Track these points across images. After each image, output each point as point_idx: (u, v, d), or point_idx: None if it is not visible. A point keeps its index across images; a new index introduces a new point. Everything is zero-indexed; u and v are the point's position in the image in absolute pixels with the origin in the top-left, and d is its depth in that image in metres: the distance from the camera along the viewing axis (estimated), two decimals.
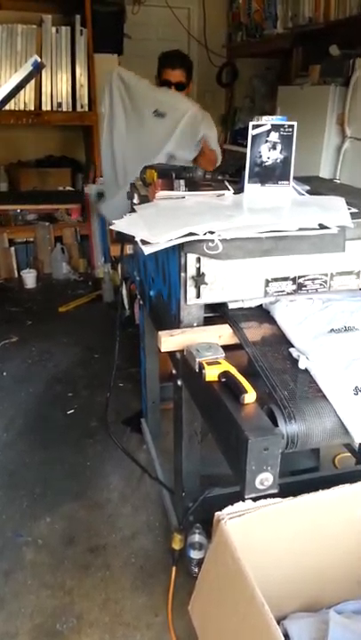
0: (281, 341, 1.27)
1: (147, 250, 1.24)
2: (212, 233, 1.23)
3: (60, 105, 4.02)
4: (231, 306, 1.35)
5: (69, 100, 4.03)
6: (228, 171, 1.78)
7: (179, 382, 1.41)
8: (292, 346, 1.24)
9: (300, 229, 1.28)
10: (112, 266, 3.90)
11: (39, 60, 2.10)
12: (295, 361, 1.20)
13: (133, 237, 1.33)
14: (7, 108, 3.09)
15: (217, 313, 1.39)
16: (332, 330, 1.29)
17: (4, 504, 1.96)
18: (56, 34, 3.91)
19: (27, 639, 1.49)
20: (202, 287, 1.28)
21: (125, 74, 2.56)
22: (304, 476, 1.81)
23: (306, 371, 1.17)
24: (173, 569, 1.62)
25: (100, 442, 2.30)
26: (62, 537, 1.82)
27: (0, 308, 3.69)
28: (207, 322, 1.37)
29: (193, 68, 2.77)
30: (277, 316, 1.33)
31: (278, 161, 1.54)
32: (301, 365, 1.16)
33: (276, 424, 1.02)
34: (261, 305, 1.39)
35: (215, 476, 1.68)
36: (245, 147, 1.55)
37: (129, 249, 1.88)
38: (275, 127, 1.51)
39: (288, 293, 1.36)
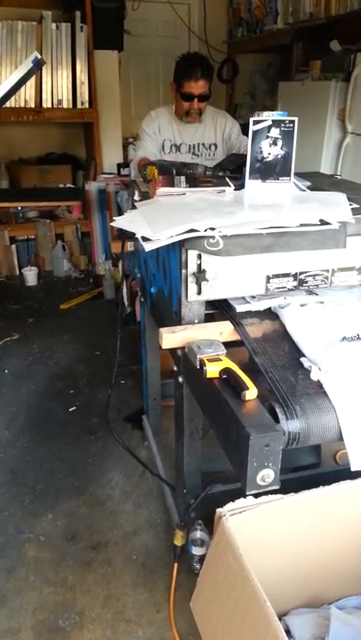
0: (282, 337, 1.26)
1: (148, 246, 1.24)
2: (212, 229, 1.23)
3: (60, 102, 4.01)
4: (239, 309, 1.33)
5: (70, 96, 4.03)
6: (228, 167, 1.78)
7: (180, 379, 1.41)
8: (299, 349, 1.21)
9: (301, 225, 1.28)
10: (113, 263, 3.90)
11: (39, 56, 2.10)
12: (296, 357, 1.20)
13: (134, 234, 1.33)
14: (7, 105, 3.10)
15: (218, 310, 1.39)
16: (344, 338, 1.25)
17: (5, 501, 1.96)
18: (56, 30, 3.90)
19: (29, 635, 1.50)
20: (203, 284, 1.28)
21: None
22: (305, 472, 1.82)
23: (308, 368, 1.16)
24: (175, 565, 1.62)
25: (102, 439, 2.30)
26: (64, 533, 1.83)
27: (1, 306, 3.69)
28: (208, 319, 1.37)
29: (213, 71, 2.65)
30: (287, 323, 1.29)
31: (279, 157, 1.54)
32: (314, 377, 1.12)
33: (277, 420, 1.02)
34: (270, 308, 1.35)
35: (216, 472, 1.68)
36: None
37: (130, 246, 1.88)
38: (276, 123, 1.50)
39: (289, 289, 1.36)
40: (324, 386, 1.10)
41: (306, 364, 1.16)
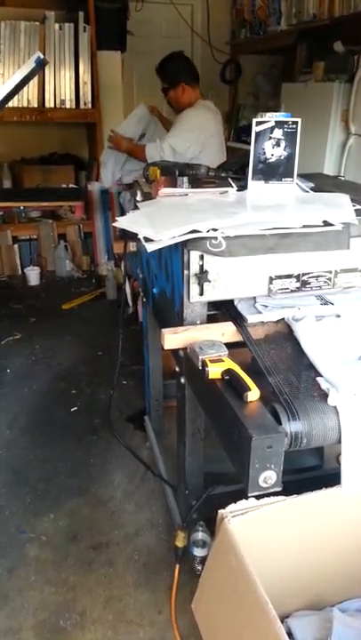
0: (285, 339, 1.26)
1: (150, 247, 1.24)
2: (215, 230, 1.23)
3: (63, 102, 4.02)
4: (251, 320, 1.29)
5: (73, 97, 4.03)
6: (231, 168, 1.78)
7: (182, 380, 1.41)
8: (303, 352, 1.19)
9: (304, 226, 1.28)
10: (115, 263, 3.89)
11: (42, 56, 2.11)
12: (299, 359, 1.19)
13: (137, 235, 1.33)
14: (10, 104, 3.08)
15: (220, 310, 1.39)
16: None
17: (7, 500, 1.96)
18: (59, 30, 3.90)
19: (30, 635, 1.50)
20: (205, 285, 1.28)
21: None
22: (308, 473, 1.81)
23: (309, 368, 1.16)
24: (177, 566, 1.62)
25: (104, 439, 2.30)
26: (66, 533, 1.83)
27: (4, 306, 3.70)
28: (210, 319, 1.36)
29: (169, 64, 2.91)
30: (301, 339, 1.23)
31: (282, 158, 1.54)
32: (331, 402, 1.06)
33: (279, 422, 1.02)
34: (283, 318, 1.30)
35: (218, 473, 1.68)
36: (249, 144, 1.54)
37: (132, 246, 1.87)
38: (279, 124, 1.50)
39: (292, 291, 1.35)
40: (340, 413, 1.05)
41: (323, 385, 1.10)
